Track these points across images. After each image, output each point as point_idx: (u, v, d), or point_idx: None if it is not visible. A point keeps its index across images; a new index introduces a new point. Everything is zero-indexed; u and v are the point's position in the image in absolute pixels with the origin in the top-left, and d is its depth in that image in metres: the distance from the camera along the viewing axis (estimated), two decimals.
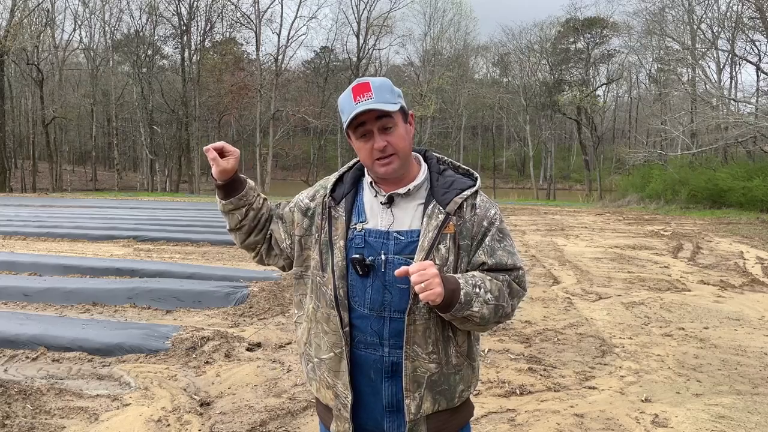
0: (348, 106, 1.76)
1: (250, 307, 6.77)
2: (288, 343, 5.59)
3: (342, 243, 1.81)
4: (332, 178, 1.94)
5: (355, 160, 1.98)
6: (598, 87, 50.03)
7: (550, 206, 28.61)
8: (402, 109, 1.80)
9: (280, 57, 45.92)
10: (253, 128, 47.34)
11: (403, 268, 1.64)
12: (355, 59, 48.99)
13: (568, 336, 6.01)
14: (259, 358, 5.18)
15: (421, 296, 1.61)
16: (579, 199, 38.65)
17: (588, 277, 9.21)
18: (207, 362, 5.02)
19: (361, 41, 48.65)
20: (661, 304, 7.45)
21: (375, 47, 50.73)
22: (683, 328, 6.35)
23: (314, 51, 59.55)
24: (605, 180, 43.76)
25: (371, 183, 1.86)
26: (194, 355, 5.13)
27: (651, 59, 41.91)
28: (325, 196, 1.89)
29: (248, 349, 5.39)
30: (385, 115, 1.74)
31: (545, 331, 6.16)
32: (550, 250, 12.19)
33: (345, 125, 1.79)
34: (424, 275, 1.59)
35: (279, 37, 46.08)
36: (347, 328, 1.81)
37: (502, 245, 1.82)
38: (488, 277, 1.76)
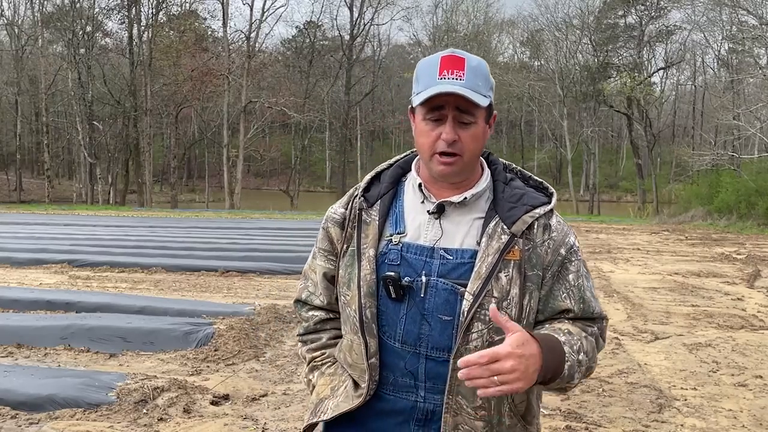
0: (428, 77, 1.72)
1: (215, 350, 6.79)
2: (263, 395, 5.62)
3: (372, 252, 1.79)
4: (368, 177, 1.92)
5: (399, 156, 1.96)
6: (654, 72, 50.40)
7: (593, 222, 28.68)
8: (490, 106, 1.77)
9: (253, 35, 46.30)
10: (220, 124, 47.54)
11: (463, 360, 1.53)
12: (347, 37, 49.43)
13: (616, 386, 6.04)
14: (226, 414, 5.20)
15: (481, 393, 1.53)
16: (630, 213, 38.69)
17: (641, 312, 9.25)
18: (161, 419, 5.03)
19: (356, 15, 49.15)
20: (733, 346, 7.47)
21: (373, 22, 51.18)
22: (761, 376, 6.37)
23: (296, 27, 60.10)
24: (663, 190, 43.84)
25: (420, 185, 1.82)
26: (145, 411, 5.15)
27: (720, 37, 42.26)
28: (357, 196, 1.88)
29: (213, 403, 5.41)
30: (469, 111, 1.71)
31: (587, 380, 6.18)
32: (594, 278, 12.21)
33: (416, 100, 1.75)
34: (492, 369, 1.49)
35: (252, 10, 46.48)
36: (373, 359, 1.77)
37: (588, 286, 1.82)
38: (584, 334, 1.76)
